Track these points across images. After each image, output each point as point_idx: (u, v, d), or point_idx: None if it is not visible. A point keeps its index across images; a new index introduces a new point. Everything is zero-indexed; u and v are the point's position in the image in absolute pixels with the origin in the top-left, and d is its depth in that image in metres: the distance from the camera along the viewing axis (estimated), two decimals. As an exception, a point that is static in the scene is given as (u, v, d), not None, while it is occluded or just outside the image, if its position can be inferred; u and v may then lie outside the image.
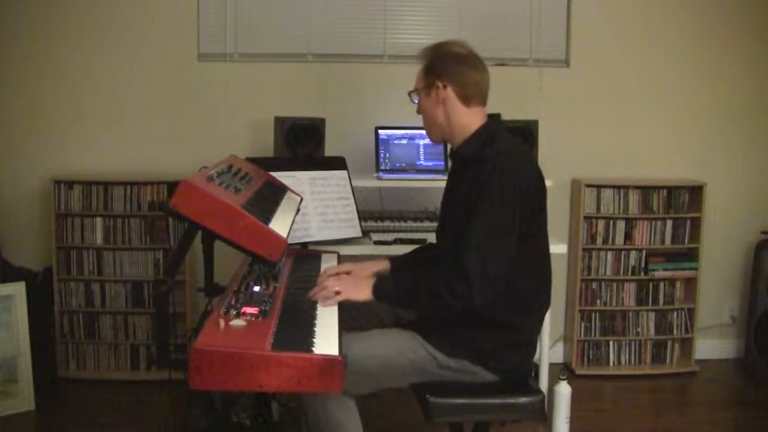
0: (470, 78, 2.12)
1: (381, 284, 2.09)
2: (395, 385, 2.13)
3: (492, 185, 1.97)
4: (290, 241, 2.04)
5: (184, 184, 1.78)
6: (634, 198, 3.76)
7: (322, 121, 3.26)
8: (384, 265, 2.36)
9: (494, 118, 2.19)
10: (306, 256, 2.64)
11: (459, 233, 2.00)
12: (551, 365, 3.30)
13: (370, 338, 2.10)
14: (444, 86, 2.12)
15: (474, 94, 2.13)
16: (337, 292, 2.05)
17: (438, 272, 2.03)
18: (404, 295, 2.08)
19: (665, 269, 3.78)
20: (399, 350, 2.07)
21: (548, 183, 2.18)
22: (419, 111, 2.23)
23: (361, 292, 2.07)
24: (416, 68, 2.22)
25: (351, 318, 2.29)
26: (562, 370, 3.11)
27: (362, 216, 3.09)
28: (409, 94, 2.24)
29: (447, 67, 2.12)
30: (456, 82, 2.11)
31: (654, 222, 3.77)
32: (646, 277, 3.78)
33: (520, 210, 1.99)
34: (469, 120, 2.14)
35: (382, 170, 3.40)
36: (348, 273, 2.25)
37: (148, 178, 3.50)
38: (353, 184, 2.98)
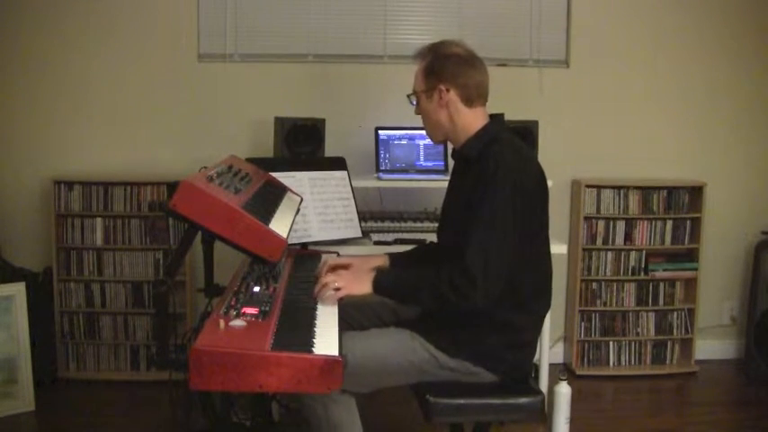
0: (472, 80, 2.11)
1: (382, 278, 2.08)
2: (395, 384, 2.12)
3: (494, 184, 1.97)
4: (290, 241, 2.04)
5: (184, 184, 1.78)
6: (634, 198, 3.76)
7: (322, 121, 3.26)
8: (383, 261, 2.36)
9: (497, 118, 2.19)
10: (306, 256, 2.63)
11: (462, 231, 2.00)
12: (551, 366, 3.30)
13: (371, 338, 2.10)
14: (447, 90, 2.10)
15: (477, 96, 2.13)
16: (338, 289, 2.04)
17: (440, 268, 2.03)
18: (405, 290, 2.07)
19: (665, 269, 3.78)
20: (399, 350, 2.07)
21: (548, 183, 2.18)
22: (419, 112, 2.22)
23: (362, 285, 2.07)
24: (414, 69, 2.20)
25: (351, 317, 2.30)
26: (562, 370, 3.12)
27: (362, 216, 3.09)
28: (408, 96, 2.22)
29: (449, 69, 2.10)
30: (459, 84, 2.10)
31: (654, 223, 3.77)
32: (646, 277, 3.78)
33: (521, 209, 1.99)
34: (472, 120, 2.13)
35: (382, 170, 3.40)
36: (347, 266, 2.24)
37: (148, 178, 3.50)
38: (353, 185, 2.98)
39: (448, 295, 1.96)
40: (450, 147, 2.27)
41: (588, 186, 3.73)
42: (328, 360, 1.60)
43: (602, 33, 3.81)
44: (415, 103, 2.21)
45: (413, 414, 2.73)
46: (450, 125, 2.15)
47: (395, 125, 3.42)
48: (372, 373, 2.03)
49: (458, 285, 1.95)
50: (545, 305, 2.21)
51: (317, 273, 2.28)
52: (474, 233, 1.96)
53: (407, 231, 3.18)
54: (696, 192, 3.77)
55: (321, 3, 3.68)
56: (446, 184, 2.34)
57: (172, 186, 1.79)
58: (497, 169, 1.98)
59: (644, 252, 3.77)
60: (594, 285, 3.78)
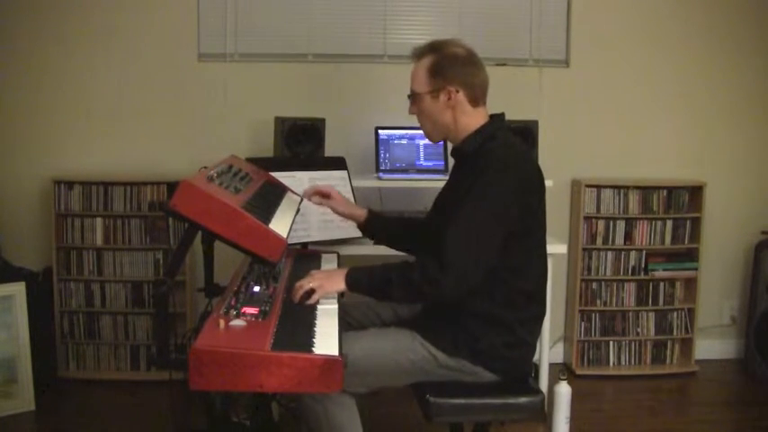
0: (478, 79, 2.12)
1: (355, 274, 2.05)
2: (394, 384, 2.12)
3: (488, 180, 1.97)
4: (289, 241, 2.04)
5: (184, 184, 1.78)
6: (634, 198, 3.76)
7: (322, 121, 3.26)
8: (361, 212, 2.44)
9: (497, 117, 2.19)
10: (306, 256, 2.63)
11: (447, 222, 1.99)
12: (551, 365, 3.30)
13: (370, 337, 2.10)
14: (456, 91, 2.09)
15: (481, 95, 2.14)
16: (313, 290, 2.00)
17: (416, 259, 2.02)
18: (377, 283, 2.03)
19: (665, 269, 3.78)
20: (399, 349, 2.06)
21: (548, 183, 2.18)
22: (417, 112, 2.19)
23: (335, 283, 2.04)
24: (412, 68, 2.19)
25: (350, 316, 2.30)
26: (562, 370, 3.11)
27: (362, 216, 3.09)
28: (409, 97, 2.20)
29: (456, 70, 2.09)
30: (466, 85, 2.10)
31: (654, 222, 3.76)
32: (646, 277, 3.78)
33: (516, 206, 1.99)
34: (474, 119, 2.13)
35: (382, 170, 3.40)
36: (328, 194, 2.45)
37: (148, 178, 3.50)
38: (353, 185, 2.98)
39: (419, 283, 1.94)
40: (450, 146, 2.27)
41: (588, 186, 3.73)
42: (328, 360, 1.60)
43: (602, 33, 3.81)
44: (411, 103, 2.20)
45: (413, 414, 2.73)
46: (453, 125, 2.15)
47: (395, 125, 3.42)
48: (372, 373, 2.03)
49: (429, 272, 1.93)
50: (543, 304, 2.21)
51: (304, 194, 2.48)
52: (458, 224, 1.95)
53: (407, 231, 3.17)
54: (696, 192, 3.77)
55: (321, 3, 3.68)
56: (446, 184, 2.34)
57: (172, 186, 1.79)
58: (493, 165, 1.99)
59: (644, 252, 3.77)
60: (594, 285, 3.77)
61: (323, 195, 2.47)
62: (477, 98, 2.12)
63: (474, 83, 2.11)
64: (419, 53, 2.16)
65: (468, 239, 1.94)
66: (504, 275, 2.04)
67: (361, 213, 2.45)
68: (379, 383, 2.08)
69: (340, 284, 2.04)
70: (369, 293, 2.11)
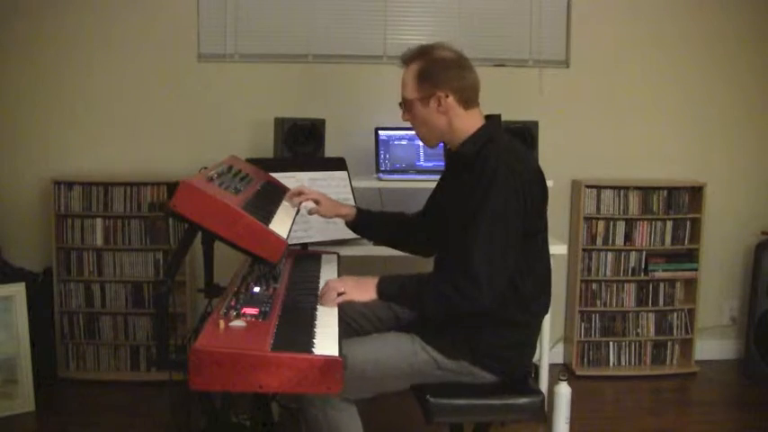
0: (467, 82, 2.10)
1: (386, 285, 2.06)
2: (395, 389, 2.12)
3: (494, 185, 1.97)
4: (290, 242, 2.04)
5: (184, 184, 1.78)
6: (634, 198, 3.76)
7: (322, 121, 3.26)
8: (349, 210, 2.43)
9: (493, 118, 2.18)
10: (306, 256, 2.63)
11: (464, 234, 1.99)
12: (551, 366, 3.31)
13: (370, 343, 2.09)
14: (446, 96, 2.08)
15: (473, 97, 2.12)
16: (341, 293, 2.03)
17: (444, 272, 2.02)
18: (409, 296, 2.06)
19: (665, 270, 3.78)
20: (399, 354, 2.06)
21: (548, 183, 2.17)
22: (408, 119, 2.18)
23: (366, 293, 2.06)
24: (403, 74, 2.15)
25: (351, 319, 2.30)
26: (562, 370, 3.12)
27: (362, 216, 3.08)
28: (400, 104, 2.17)
29: (444, 74, 2.07)
30: (455, 89, 2.08)
31: (654, 223, 3.76)
32: (646, 278, 3.78)
33: (523, 208, 1.99)
34: (470, 122, 2.12)
35: (382, 171, 3.40)
36: (317, 200, 2.38)
37: (148, 178, 3.50)
38: (353, 185, 2.98)
39: (453, 299, 1.95)
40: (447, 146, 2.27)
41: (588, 186, 3.73)
42: (328, 360, 1.60)
43: (602, 33, 3.81)
44: (404, 110, 2.17)
45: (413, 415, 2.73)
46: (448, 129, 2.13)
47: (395, 125, 3.42)
48: (372, 378, 2.03)
49: (462, 288, 1.94)
50: (544, 305, 2.20)
51: (288, 194, 2.38)
52: (477, 235, 1.95)
53: (407, 231, 3.17)
54: (696, 192, 3.77)
55: (321, 3, 3.68)
56: (447, 185, 2.34)
57: (172, 186, 1.79)
58: (496, 170, 1.98)
59: (644, 252, 3.77)
60: (594, 286, 3.77)
61: (315, 201, 2.42)
62: (469, 100, 2.11)
63: (464, 86, 2.09)
64: (407, 59, 2.14)
65: (493, 252, 1.94)
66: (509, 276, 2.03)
67: (349, 212, 2.44)
68: (380, 389, 2.08)
69: (370, 295, 2.05)
70: (399, 304, 2.15)
